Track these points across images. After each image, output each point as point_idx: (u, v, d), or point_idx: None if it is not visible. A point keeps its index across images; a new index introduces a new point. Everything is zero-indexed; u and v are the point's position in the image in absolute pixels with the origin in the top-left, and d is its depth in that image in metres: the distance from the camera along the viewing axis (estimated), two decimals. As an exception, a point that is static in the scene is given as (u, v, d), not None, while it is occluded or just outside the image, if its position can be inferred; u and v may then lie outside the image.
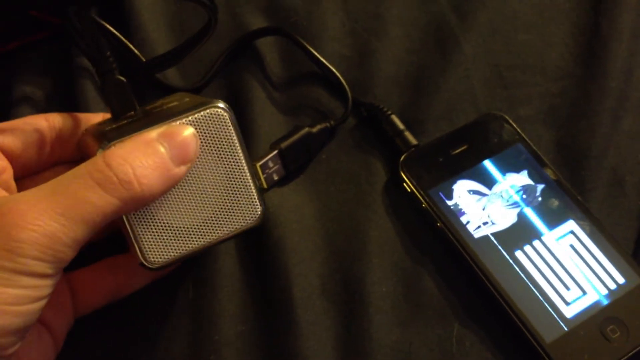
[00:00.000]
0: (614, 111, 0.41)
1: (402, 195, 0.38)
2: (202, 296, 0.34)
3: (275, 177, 0.37)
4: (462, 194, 0.37)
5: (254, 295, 0.35)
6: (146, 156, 0.26)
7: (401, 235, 0.37)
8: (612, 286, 0.34)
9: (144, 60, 0.39)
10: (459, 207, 0.36)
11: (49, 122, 0.31)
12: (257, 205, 0.30)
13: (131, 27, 0.42)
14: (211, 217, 0.29)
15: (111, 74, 0.30)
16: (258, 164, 0.36)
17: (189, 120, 0.28)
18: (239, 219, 0.30)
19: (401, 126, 0.40)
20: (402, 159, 0.38)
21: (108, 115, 0.32)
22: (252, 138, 0.39)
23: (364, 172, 0.39)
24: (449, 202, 0.36)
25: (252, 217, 0.30)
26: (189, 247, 0.29)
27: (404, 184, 0.38)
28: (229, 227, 0.30)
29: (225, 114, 0.29)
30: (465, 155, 0.38)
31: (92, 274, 0.32)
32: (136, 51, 0.39)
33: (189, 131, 0.28)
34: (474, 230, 0.35)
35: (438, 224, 0.36)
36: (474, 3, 0.45)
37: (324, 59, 0.41)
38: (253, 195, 0.30)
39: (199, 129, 0.28)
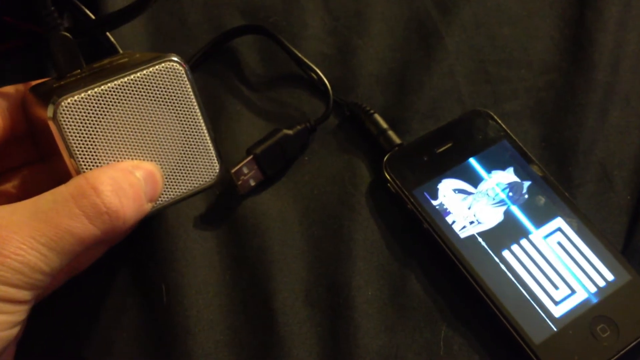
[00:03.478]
0: (601, 104, 0.40)
1: (387, 196, 0.37)
2: (178, 303, 0.33)
3: (252, 183, 0.36)
4: (448, 193, 0.36)
5: (233, 303, 0.34)
6: (128, 184, 0.25)
7: (386, 237, 0.36)
8: (601, 284, 0.33)
9: (93, 17, 0.38)
10: (445, 207, 0.36)
11: None
12: (215, 163, 0.30)
13: None
14: (166, 175, 0.28)
15: (56, 30, 0.28)
16: (232, 171, 0.35)
17: (143, 75, 0.27)
18: (196, 178, 0.29)
19: (384, 125, 0.39)
20: (385, 158, 0.37)
21: None
22: (230, 143, 0.38)
23: (348, 173, 0.38)
24: (434, 202, 0.36)
25: (209, 175, 0.30)
26: None
27: (388, 185, 0.37)
28: (185, 186, 0.29)
29: (180, 67, 0.28)
30: (450, 153, 0.38)
31: None
32: (83, 7, 0.38)
33: (158, 169, 0.27)
34: (460, 230, 0.35)
35: (424, 225, 0.35)
36: (457, -3, 0.44)
37: (304, 58, 0.40)
38: (211, 152, 0.30)
39: (153, 84, 0.27)
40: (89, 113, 0.26)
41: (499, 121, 0.39)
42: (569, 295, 0.33)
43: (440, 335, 0.33)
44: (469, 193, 0.36)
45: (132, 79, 0.27)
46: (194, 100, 0.28)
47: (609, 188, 0.38)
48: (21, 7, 0.40)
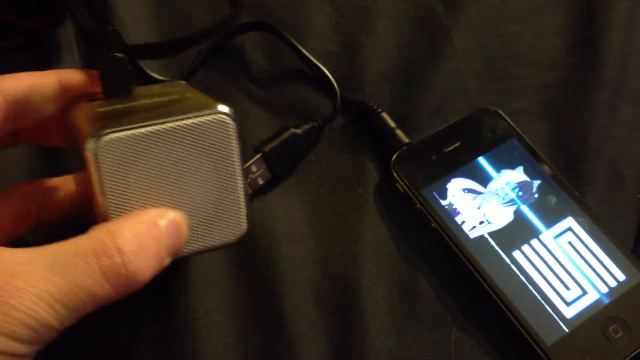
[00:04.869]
0: (610, 102, 0.40)
1: (395, 195, 0.37)
2: (185, 306, 0.33)
3: (261, 182, 0.36)
4: (457, 192, 0.36)
5: (241, 305, 0.34)
6: (152, 240, 0.24)
7: (395, 238, 0.36)
8: (613, 284, 0.33)
9: (127, 44, 0.37)
10: (454, 207, 0.35)
11: None
12: (243, 223, 0.28)
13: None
14: (192, 227, 0.27)
15: (110, 49, 0.27)
16: None
17: (192, 123, 0.26)
18: (220, 235, 0.28)
19: (392, 124, 0.38)
20: (393, 158, 0.37)
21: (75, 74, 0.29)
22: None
23: (355, 172, 0.38)
24: (443, 202, 0.35)
25: (234, 234, 0.28)
26: None
27: (397, 184, 0.37)
28: (207, 242, 0.28)
29: (231, 122, 0.27)
30: (458, 152, 0.37)
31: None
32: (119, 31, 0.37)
33: (185, 220, 0.26)
34: (470, 231, 0.34)
35: (432, 225, 0.35)
36: (464, -7, 0.44)
37: (311, 55, 0.40)
38: (242, 212, 0.28)
39: (200, 134, 0.26)
40: (129, 152, 0.25)
41: (508, 119, 0.39)
42: (580, 296, 0.33)
43: (451, 337, 0.33)
44: (479, 192, 0.36)
45: (180, 126, 0.26)
46: (237, 156, 0.27)
47: (619, 186, 0.38)
48: (21, 3, 0.39)
